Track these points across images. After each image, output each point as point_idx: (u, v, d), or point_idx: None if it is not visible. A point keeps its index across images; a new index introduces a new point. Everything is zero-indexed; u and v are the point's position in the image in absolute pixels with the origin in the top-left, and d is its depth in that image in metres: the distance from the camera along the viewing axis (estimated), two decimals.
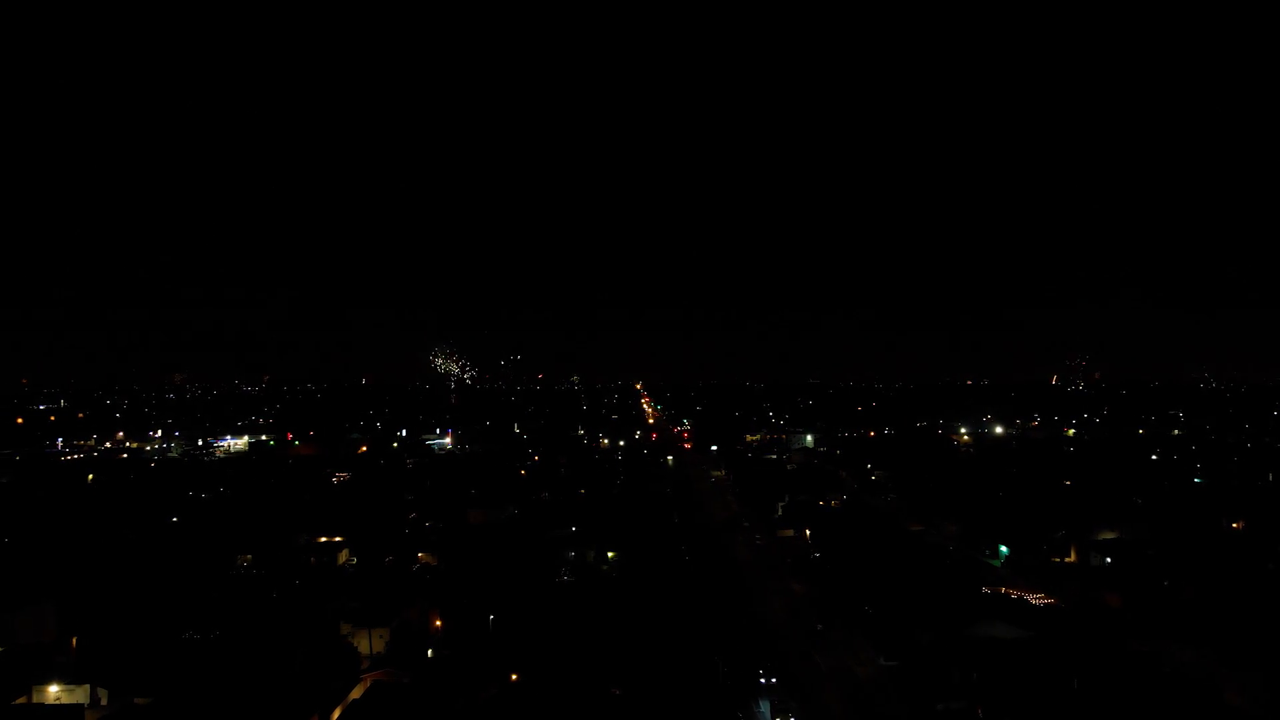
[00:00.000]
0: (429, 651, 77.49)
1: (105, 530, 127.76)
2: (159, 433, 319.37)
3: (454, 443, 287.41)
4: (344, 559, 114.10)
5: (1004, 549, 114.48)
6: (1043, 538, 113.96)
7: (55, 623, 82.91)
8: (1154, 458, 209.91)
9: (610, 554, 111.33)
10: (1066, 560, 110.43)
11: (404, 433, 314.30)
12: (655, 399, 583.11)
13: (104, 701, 66.67)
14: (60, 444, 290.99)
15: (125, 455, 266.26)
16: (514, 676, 66.62)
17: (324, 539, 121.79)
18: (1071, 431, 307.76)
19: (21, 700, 66.40)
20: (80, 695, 67.28)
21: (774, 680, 67.17)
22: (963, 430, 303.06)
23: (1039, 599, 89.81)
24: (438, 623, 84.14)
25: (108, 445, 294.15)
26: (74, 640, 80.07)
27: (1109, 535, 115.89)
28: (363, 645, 77.95)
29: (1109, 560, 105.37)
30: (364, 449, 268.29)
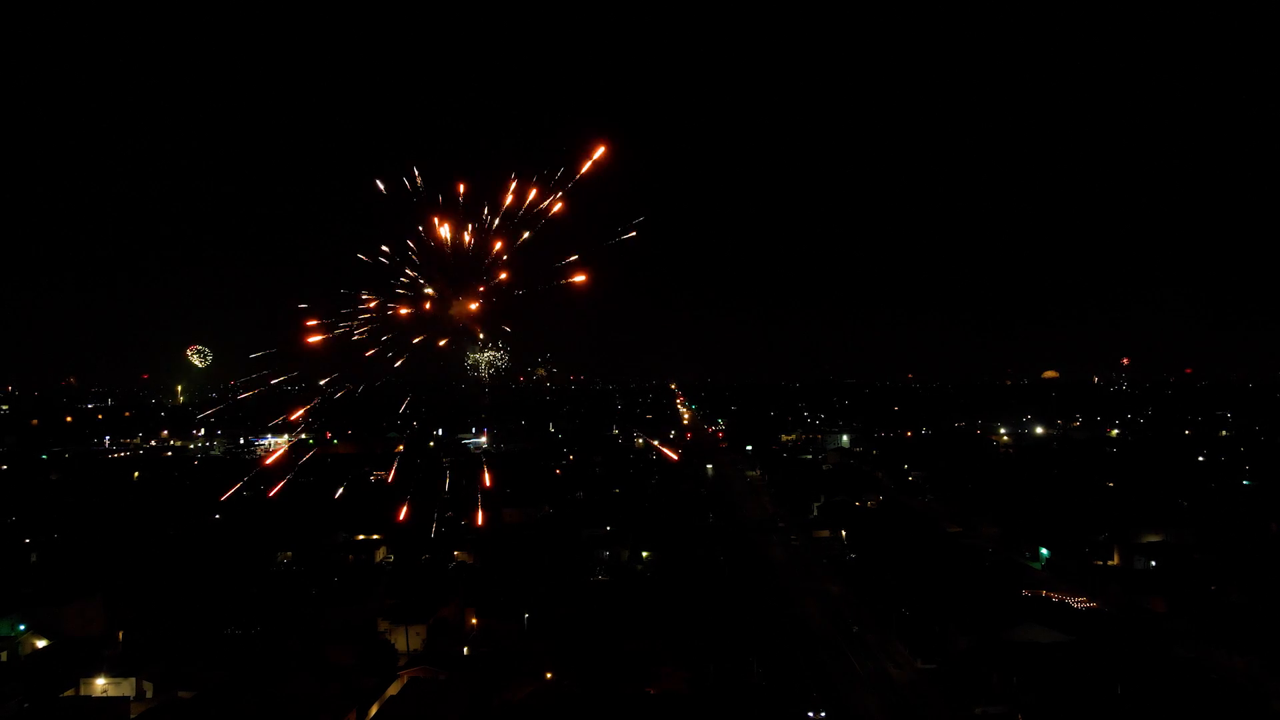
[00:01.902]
0: (465, 649, 78.20)
1: (151, 527, 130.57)
2: (202, 431, 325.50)
3: (490, 442, 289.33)
4: (381, 557, 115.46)
5: (1044, 551, 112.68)
6: (1084, 540, 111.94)
7: (103, 617, 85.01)
8: (1200, 459, 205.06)
9: (645, 554, 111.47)
10: (1109, 563, 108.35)
11: (440, 432, 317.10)
12: (689, 398, 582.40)
13: (149, 695, 68.10)
14: (108, 442, 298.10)
15: (169, 453, 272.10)
16: (549, 675, 66.95)
17: (362, 537, 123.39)
18: (1114, 432, 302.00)
19: (70, 692, 68.07)
20: (126, 688, 68.80)
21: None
22: (1002, 430, 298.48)
23: (1080, 602, 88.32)
24: (473, 621, 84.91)
25: (153, 443, 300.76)
26: (120, 634, 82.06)
27: (1153, 538, 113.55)
28: (400, 642, 78.82)
29: (1153, 564, 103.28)
30: (401, 448, 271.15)
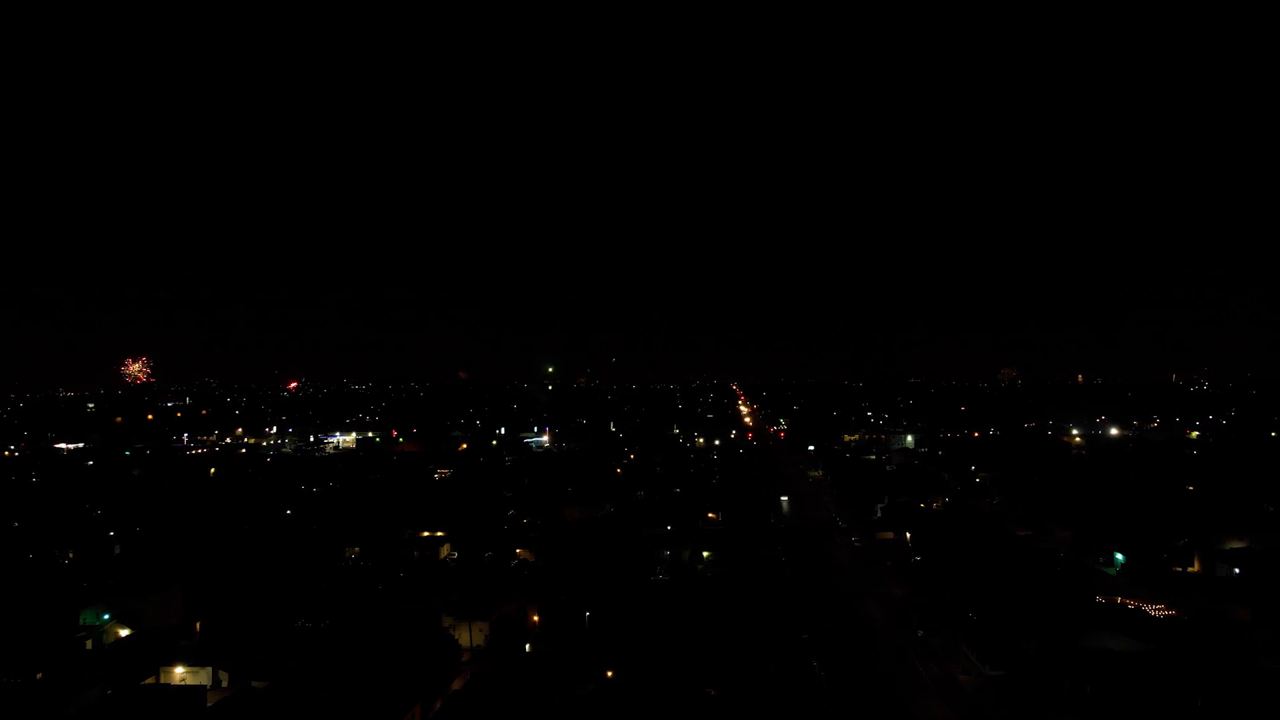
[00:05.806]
0: (527, 646, 78.90)
1: (226, 521, 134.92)
2: (274, 429, 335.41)
3: (551, 441, 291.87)
4: (445, 553, 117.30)
5: (1120, 557, 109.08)
6: (1163, 545, 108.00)
7: (182, 608, 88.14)
8: None
9: (705, 554, 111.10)
10: (1189, 570, 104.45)
11: (503, 431, 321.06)
12: (751, 398, 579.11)
13: (224, 684, 70.41)
14: (186, 439, 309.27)
15: (244, 450, 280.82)
16: (610, 674, 67.15)
17: (426, 534, 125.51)
18: (1194, 434, 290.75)
19: (150, 680, 70.72)
20: (203, 677, 71.26)
21: None
22: (1074, 431, 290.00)
23: (1158, 610, 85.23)
24: (535, 618, 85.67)
25: (228, 441, 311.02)
26: (198, 625, 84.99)
27: (1237, 544, 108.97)
28: (463, 638, 79.94)
29: (1236, 571, 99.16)
30: (464, 447, 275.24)
